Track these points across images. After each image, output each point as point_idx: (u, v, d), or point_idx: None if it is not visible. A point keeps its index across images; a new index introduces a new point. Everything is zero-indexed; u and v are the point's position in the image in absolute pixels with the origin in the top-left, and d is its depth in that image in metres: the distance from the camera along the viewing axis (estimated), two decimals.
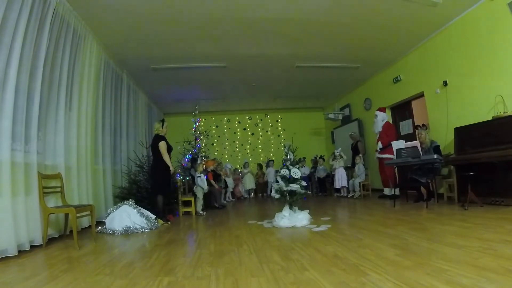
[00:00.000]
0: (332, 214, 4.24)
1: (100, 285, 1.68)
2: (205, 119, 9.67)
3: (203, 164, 5.80)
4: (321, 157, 8.23)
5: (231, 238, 2.91)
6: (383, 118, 6.01)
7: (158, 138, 4.44)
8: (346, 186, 6.81)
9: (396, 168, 5.08)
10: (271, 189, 8.12)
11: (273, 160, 8.98)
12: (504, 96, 3.96)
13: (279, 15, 4.38)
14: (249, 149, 10.24)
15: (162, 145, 4.37)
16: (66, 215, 3.17)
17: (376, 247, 2.16)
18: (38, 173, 2.91)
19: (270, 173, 8.63)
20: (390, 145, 5.28)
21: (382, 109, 6.16)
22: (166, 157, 4.36)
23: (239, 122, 10.34)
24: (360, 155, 6.94)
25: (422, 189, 4.75)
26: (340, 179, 6.84)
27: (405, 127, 6.48)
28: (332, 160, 7.17)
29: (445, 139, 4.95)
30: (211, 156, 8.04)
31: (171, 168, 4.41)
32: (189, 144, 6.49)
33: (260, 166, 9.19)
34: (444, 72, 5.02)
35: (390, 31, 4.99)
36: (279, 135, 10.38)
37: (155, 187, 4.48)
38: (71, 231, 3.08)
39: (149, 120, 7.87)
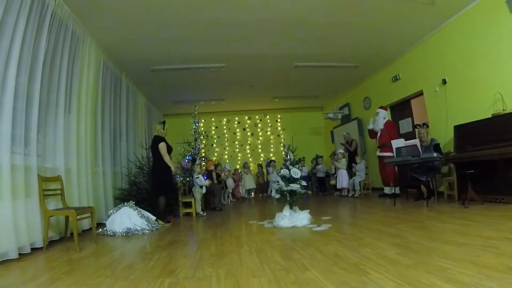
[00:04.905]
0: (333, 213, 4.24)
1: (101, 287, 1.69)
2: (204, 120, 9.68)
3: (203, 165, 5.79)
4: (321, 156, 8.24)
5: (231, 238, 2.91)
6: (384, 115, 6.00)
7: (158, 139, 4.45)
8: (347, 187, 6.80)
9: (396, 167, 5.08)
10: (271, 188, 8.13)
11: (274, 160, 8.95)
12: (503, 93, 3.96)
13: (277, 15, 4.38)
14: (249, 149, 10.24)
15: (162, 146, 4.40)
16: (67, 218, 3.17)
17: (377, 246, 2.16)
18: (38, 176, 2.91)
19: (272, 173, 8.62)
20: (391, 143, 5.27)
21: (384, 108, 6.17)
22: (167, 158, 4.42)
23: (239, 123, 10.33)
24: (359, 155, 6.94)
25: (422, 187, 4.75)
26: (341, 180, 6.84)
27: (405, 125, 6.48)
28: (336, 160, 7.14)
29: (445, 137, 4.95)
30: (211, 157, 8.03)
31: (172, 168, 4.46)
32: (188, 145, 6.48)
33: (260, 166, 9.19)
34: (443, 70, 5.01)
35: (389, 29, 4.99)
36: (278, 135, 10.38)
37: (156, 188, 4.49)
38: (71, 234, 3.07)
39: (149, 121, 7.87)
